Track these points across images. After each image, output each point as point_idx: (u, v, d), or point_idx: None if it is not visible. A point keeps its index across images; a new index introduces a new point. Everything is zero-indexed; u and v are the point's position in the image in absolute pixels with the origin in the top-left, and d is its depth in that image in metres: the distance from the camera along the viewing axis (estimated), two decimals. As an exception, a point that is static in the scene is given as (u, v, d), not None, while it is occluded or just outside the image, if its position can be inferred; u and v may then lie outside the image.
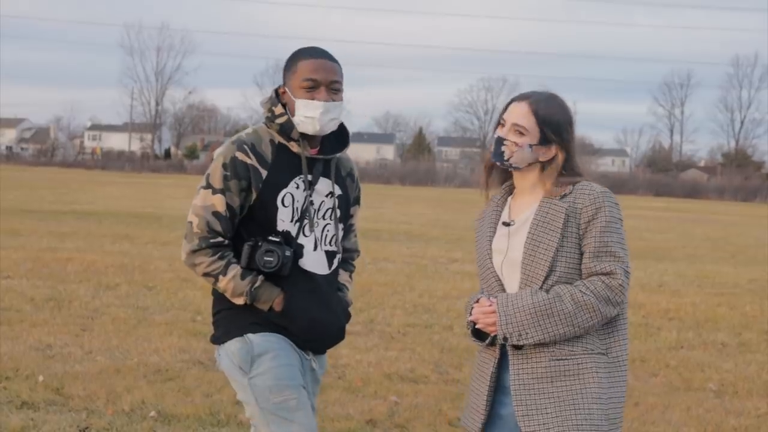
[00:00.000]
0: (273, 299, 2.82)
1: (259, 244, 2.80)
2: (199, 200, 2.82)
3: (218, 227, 2.80)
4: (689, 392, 6.08)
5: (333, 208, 2.92)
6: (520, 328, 2.53)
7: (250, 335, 2.82)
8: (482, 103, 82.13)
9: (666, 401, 5.77)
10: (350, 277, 3.14)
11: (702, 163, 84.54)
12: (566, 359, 2.54)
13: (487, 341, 2.66)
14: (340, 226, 2.96)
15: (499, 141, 2.67)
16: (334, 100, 2.81)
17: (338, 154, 2.94)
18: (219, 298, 2.94)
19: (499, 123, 2.71)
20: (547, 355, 2.55)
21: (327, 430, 4.80)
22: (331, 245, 2.92)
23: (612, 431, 2.58)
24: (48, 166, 62.91)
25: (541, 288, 2.56)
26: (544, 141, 2.64)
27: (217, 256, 2.81)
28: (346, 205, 3.02)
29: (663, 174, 67.92)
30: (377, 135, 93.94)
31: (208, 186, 2.82)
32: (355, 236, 3.18)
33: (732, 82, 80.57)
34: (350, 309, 3.11)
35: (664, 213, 34.29)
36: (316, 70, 2.79)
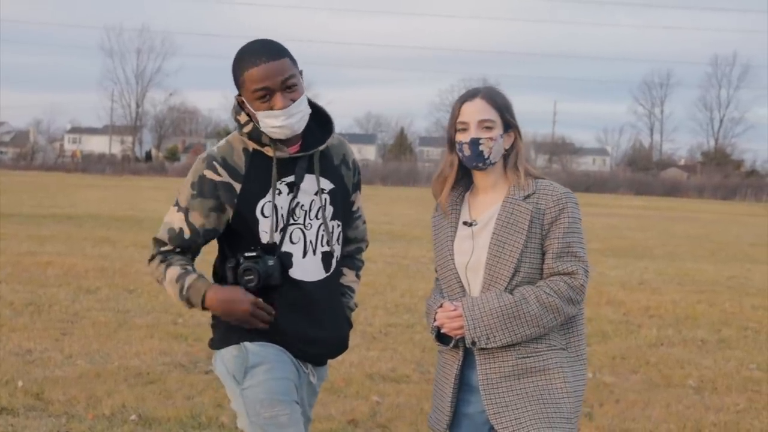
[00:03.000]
0: (200, 296, 2.68)
1: (240, 262, 2.69)
2: (167, 215, 2.79)
3: (169, 242, 2.75)
4: (669, 389, 6.13)
5: (323, 206, 2.76)
6: (487, 331, 2.55)
7: (246, 344, 2.72)
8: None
9: (646, 398, 5.82)
10: (357, 276, 2.98)
11: (682, 162, 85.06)
12: (531, 356, 2.58)
13: (451, 344, 2.67)
14: (335, 223, 2.80)
15: (475, 143, 2.63)
16: (293, 100, 2.62)
17: (321, 147, 2.75)
18: None
19: (457, 129, 2.68)
20: (513, 353, 2.58)
21: (309, 430, 4.79)
22: (326, 246, 2.78)
23: (575, 422, 2.63)
24: (27, 170, 62.37)
25: (505, 289, 2.58)
26: (506, 128, 2.68)
27: (159, 260, 2.76)
28: (343, 196, 2.84)
29: (643, 173, 68.27)
30: (359, 135, 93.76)
31: (176, 203, 2.76)
32: (363, 223, 3.00)
33: (711, 81, 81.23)
34: (354, 312, 2.98)
35: (644, 211, 34.49)
36: (263, 78, 2.59)
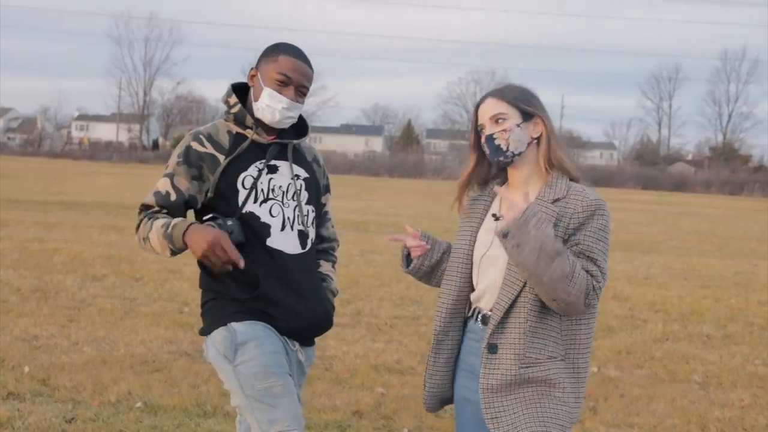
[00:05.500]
0: (182, 231, 2.75)
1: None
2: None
3: (155, 203, 2.89)
4: (674, 384, 6.13)
5: (299, 190, 2.96)
6: (523, 241, 2.45)
7: (233, 324, 2.83)
8: (471, 95, 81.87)
9: (651, 393, 5.82)
10: (333, 267, 3.16)
11: (690, 157, 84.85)
12: (534, 366, 2.56)
13: (409, 268, 2.85)
14: (310, 207, 2.99)
15: (490, 139, 2.65)
16: (297, 102, 2.93)
17: (295, 141, 3.00)
18: (206, 289, 2.96)
19: (478, 133, 2.71)
20: (517, 362, 2.55)
21: (314, 421, 4.81)
22: (301, 225, 2.95)
23: (569, 430, 2.60)
24: (35, 156, 62.60)
25: (521, 289, 2.55)
26: (526, 116, 2.65)
27: (145, 220, 2.87)
28: (315, 188, 3.05)
29: (651, 167, 68.16)
30: (366, 127, 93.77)
31: (164, 173, 2.93)
32: (333, 226, 3.20)
33: (720, 75, 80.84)
34: (336, 299, 3.11)
35: (651, 206, 34.43)
36: (294, 69, 2.90)
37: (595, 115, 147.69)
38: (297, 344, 2.95)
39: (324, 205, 3.15)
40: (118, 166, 53.31)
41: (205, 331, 2.92)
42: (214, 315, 2.89)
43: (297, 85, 2.90)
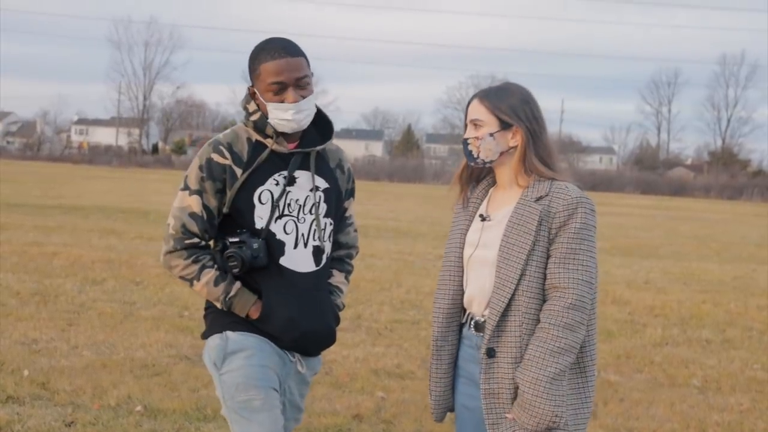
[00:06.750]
0: (248, 307, 2.78)
1: (227, 246, 2.78)
2: (176, 202, 2.82)
3: (194, 228, 2.78)
4: (673, 388, 6.13)
5: (317, 203, 2.84)
6: (556, 407, 2.51)
7: (228, 332, 2.80)
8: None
9: (650, 397, 5.82)
10: (346, 278, 3.05)
11: (689, 162, 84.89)
12: None
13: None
14: (328, 220, 2.88)
15: (464, 143, 2.68)
16: (303, 97, 2.75)
17: (319, 147, 2.86)
18: None
19: (466, 129, 2.73)
20: (515, 366, 2.54)
21: (314, 425, 4.82)
22: (317, 241, 2.84)
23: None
24: (34, 160, 62.55)
25: (513, 293, 2.53)
26: (504, 125, 2.63)
27: (191, 259, 2.80)
28: (336, 197, 2.92)
29: (650, 172, 68.12)
30: (366, 131, 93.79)
31: (186, 187, 2.80)
32: (355, 231, 3.08)
33: (719, 80, 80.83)
34: (341, 312, 3.04)
35: (650, 211, 34.43)
36: (279, 72, 2.71)
37: (594, 119, 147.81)
38: (297, 355, 2.88)
39: (345, 209, 3.02)
40: (117, 171, 53.30)
41: (204, 336, 2.91)
42: (213, 321, 2.86)
43: (292, 83, 2.72)
